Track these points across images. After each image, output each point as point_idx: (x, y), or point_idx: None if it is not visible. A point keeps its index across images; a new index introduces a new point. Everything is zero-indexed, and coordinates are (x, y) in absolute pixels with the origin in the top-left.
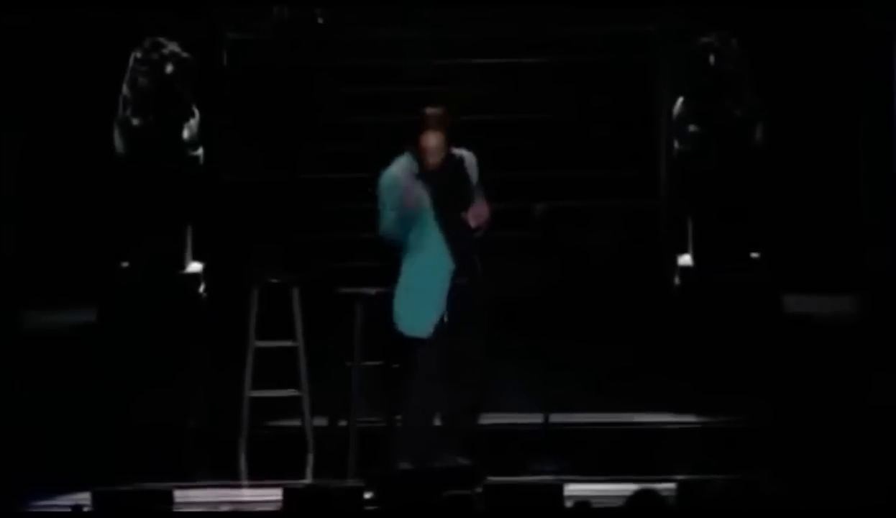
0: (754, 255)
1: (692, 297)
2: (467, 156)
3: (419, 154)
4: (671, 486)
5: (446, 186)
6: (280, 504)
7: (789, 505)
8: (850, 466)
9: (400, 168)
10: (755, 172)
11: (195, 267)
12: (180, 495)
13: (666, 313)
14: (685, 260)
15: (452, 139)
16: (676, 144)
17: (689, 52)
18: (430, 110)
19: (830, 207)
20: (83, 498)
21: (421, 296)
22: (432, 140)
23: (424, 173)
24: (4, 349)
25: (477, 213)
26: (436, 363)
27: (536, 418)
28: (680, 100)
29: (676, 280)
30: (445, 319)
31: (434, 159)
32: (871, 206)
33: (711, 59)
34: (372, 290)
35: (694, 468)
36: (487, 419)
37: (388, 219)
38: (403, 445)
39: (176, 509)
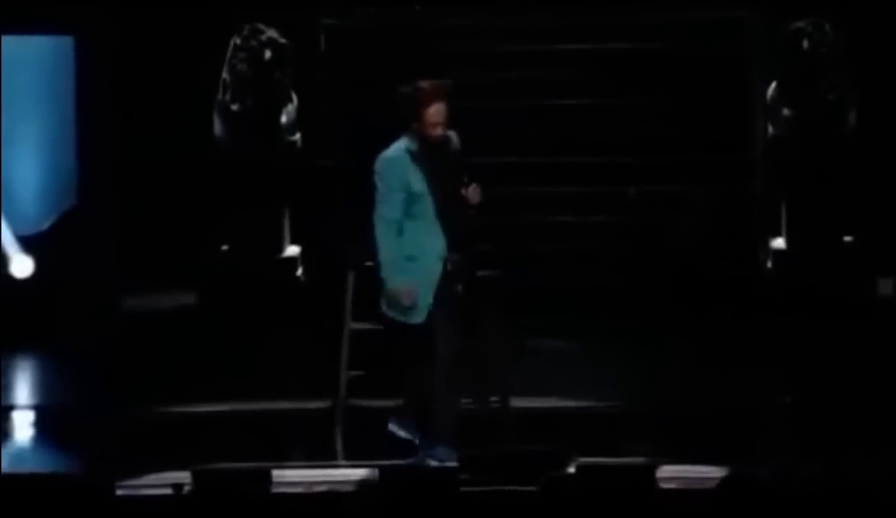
0: (847, 238)
1: (785, 281)
2: (453, 134)
3: (424, 128)
4: (764, 468)
5: (446, 161)
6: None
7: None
8: None
9: (399, 150)
10: (848, 156)
11: (293, 250)
12: (278, 474)
13: (759, 296)
14: (778, 243)
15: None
16: (770, 129)
17: (783, 37)
18: (431, 82)
19: None
20: (183, 476)
21: (417, 278)
22: (441, 111)
23: (425, 149)
24: (107, 332)
25: (476, 191)
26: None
27: (622, 401)
28: (773, 84)
29: (769, 263)
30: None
31: (440, 131)
32: None
33: (805, 43)
34: (489, 272)
35: (787, 452)
36: (573, 402)
37: (396, 200)
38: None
39: (274, 489)
